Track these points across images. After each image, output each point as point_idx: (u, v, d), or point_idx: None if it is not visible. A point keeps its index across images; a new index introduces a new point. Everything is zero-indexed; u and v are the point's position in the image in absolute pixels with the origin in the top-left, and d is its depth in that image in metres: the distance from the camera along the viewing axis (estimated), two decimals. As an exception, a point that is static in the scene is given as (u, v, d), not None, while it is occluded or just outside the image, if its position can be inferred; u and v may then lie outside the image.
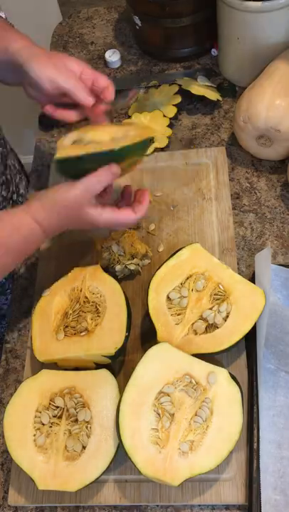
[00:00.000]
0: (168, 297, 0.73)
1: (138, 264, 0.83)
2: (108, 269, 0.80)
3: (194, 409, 0.65)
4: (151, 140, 0.71)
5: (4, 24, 0.79)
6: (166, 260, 0.76)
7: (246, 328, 0.70)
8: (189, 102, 1.02)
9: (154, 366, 0.67)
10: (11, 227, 0.66)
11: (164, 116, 0.98)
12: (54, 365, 0.74)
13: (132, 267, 0.82)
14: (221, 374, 0.67)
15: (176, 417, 0.64)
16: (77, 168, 0.67)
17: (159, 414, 0.65)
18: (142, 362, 0.67)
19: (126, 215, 0.70)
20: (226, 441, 0.63)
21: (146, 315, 0.75)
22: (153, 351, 0.68)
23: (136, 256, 0.82)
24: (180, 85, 1.00)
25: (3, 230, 0.66)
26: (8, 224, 0.66)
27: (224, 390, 0.66)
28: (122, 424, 0.63)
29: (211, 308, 0.72)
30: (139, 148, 0.70)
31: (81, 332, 0.73)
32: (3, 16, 0.85)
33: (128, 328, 0.72)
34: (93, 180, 0.66)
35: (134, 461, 0.62)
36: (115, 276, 0.78)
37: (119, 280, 0.77)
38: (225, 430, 0.64)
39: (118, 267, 0.81)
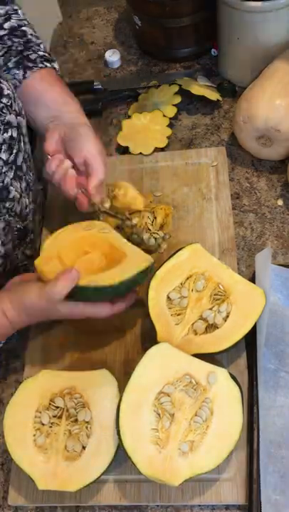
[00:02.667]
0: (168, 297, 0.73)
1: (163, 238, 0.84)
2: (129, 239, 0.82)
3: (194, 410, 0.65)
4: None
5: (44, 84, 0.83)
6: (166, 260, 0.76)
7: (246, 328, 0.70)
8: (189, 102, 1.02)
9: (154, 366, 0.67)
10: None
11: (164, 116, 0.98)
12: (54, 366, 0.73)
13: (157, 236, 0.83)
14: (221, 374, 0.67)
15: (176, 417, 0.64)
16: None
17: (159, 414, 0.65)
18: (142, 362, 0.67)
19: (101, 310, 0.69)
20: (226, 442, 0.63)
21: (147, 315, 0.74)
22: (153, 351, 0.68)
23: (163, 229, 0.85)
24: (180, 85, 1.00)
25: None
26: None
27: (224, 390, 0.66)
28: (122, 424, 0.63)
29: (211, 309, 0.72)
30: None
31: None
32: (56, 66, 0.86)
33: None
34: (54, 292, 0.64)
35: (134, 461, 0.62)
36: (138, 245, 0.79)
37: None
38: (225, 430, 0.64)
39: (146, 236, 0.82)
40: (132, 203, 0.84)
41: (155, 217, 0.85)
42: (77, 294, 0.66)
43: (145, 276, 0.71)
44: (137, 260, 0.71)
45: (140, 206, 0.85)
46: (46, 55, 0.84)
